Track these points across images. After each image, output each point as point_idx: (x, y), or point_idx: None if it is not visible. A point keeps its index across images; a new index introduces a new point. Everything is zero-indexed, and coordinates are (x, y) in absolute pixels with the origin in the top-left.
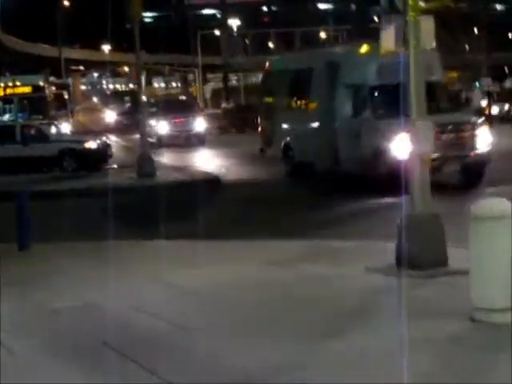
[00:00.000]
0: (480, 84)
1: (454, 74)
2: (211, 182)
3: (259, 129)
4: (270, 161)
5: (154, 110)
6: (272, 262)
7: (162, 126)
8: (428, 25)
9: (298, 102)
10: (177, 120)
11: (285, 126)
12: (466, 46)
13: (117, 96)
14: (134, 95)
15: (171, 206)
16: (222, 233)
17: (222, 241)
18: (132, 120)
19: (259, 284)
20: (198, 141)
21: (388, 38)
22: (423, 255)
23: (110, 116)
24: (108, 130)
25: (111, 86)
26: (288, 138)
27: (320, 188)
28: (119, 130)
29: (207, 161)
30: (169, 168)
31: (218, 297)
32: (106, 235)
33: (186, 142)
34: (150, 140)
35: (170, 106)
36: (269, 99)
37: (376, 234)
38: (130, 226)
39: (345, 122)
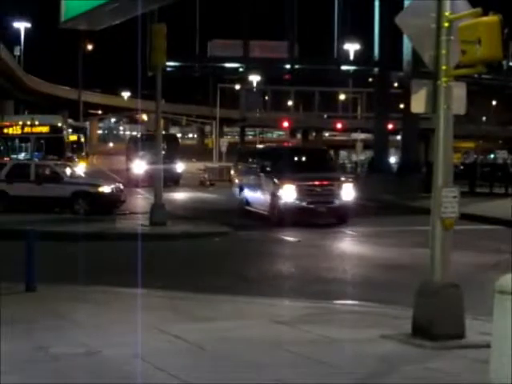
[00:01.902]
0: (495, 155)
1: (471, 144)
2: (221, 235)
3: None
4: None
5: (260, 162)
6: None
7: (286, 192)
8: (460, 91)
9: None
10: (314, 183)
11: None
12: (484, 118)
13: (148, 142)
14: (173, 141)
15: (177, 256)
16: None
17: (226, 295)
18: (169, 172)
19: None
20: (339, 218)
21: (419, 101)
22: (440, 326)
23: (139, 167)
24: (136, 183)
25: (128, 133)
26: None
27: None
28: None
29: None
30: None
31: (225, 353)
32: (114, 281)
33: (322, 218)
34: (261, 212)
35: (297, 160)
36: None
37: None
38: (137, 273)
39: None
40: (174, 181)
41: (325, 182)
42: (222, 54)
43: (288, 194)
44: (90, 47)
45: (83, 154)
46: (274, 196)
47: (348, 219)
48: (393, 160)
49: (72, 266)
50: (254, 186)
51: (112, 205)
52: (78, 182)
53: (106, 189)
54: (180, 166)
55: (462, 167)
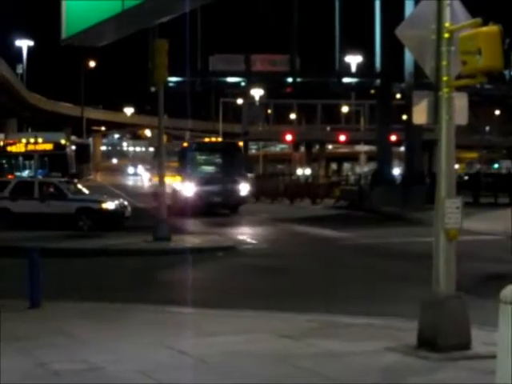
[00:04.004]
0: (500, 165)
1: (474, 154)
2: (226, 250)
3: None
4: None
5: None
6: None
7: None
8: (462, 101)
9: None
10: None
11: None
12: (487, 128)
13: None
14: (234, 151)
15: (179, 271)
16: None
17: (231, 310)
18: (227, 194)
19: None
20: None
21: (420, 112)
22: (445, 337)
23: (189, 188)
24: (182, 211)
25: (131, 148)
26: None
27: None
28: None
29: None
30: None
31: (228, 367)
32: (117, 297)
33: None
34: None
35: None
36: None
37: None
38: (140, 289)
39: None
40: (231, 207)
41: None
42: (223, 68)
43: None
44: (92, 64)
45: (89, 170)
46: None
47: None
48: (396, 171)
49: (74, 282)
50: None
51: (116, 221)
52: (81, 198)
53: (109, 205)
54: (244, 187)
55: (466, 178)
